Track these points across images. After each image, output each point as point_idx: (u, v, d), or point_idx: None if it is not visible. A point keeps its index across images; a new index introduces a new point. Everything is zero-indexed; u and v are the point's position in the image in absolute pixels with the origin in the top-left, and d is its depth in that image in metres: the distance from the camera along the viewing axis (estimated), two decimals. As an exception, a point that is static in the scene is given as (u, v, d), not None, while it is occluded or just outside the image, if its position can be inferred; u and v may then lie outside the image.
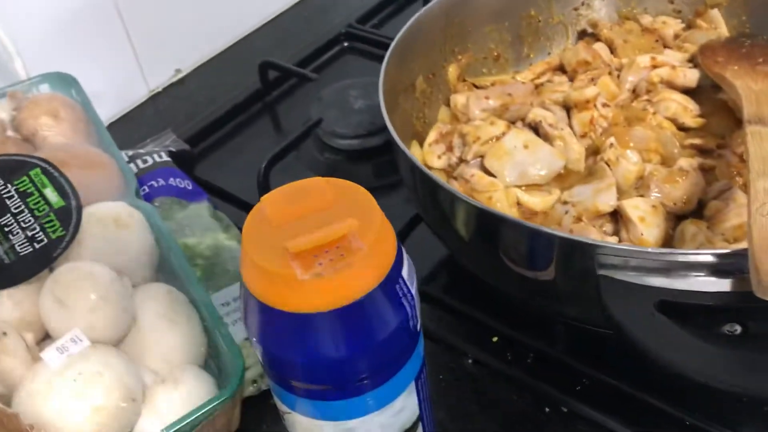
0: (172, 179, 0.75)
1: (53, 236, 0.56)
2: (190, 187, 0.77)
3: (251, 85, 1.01)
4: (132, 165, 0.77)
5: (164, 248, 0.60)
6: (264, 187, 0.82)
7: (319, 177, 0.44)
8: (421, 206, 0.65)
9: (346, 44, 1.09)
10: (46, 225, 0.57)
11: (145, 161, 0.77)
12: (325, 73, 1.06)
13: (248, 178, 0.85)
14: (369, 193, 0.43)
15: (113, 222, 0.57)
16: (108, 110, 1.00)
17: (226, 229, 0.73)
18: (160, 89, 1.06)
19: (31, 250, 0.55)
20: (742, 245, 0.56)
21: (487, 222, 0.54)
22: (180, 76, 1.07)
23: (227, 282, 0.67)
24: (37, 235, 0.56)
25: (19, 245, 0.55)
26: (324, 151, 0.90)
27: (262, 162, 0.84)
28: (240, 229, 0.78)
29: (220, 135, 0.97)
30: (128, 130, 0.99)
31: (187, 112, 1.01)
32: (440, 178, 0.56)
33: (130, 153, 0.79)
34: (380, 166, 0.88)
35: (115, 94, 1.01)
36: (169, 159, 0.79)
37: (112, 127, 1.00)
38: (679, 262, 0.47)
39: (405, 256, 0.43)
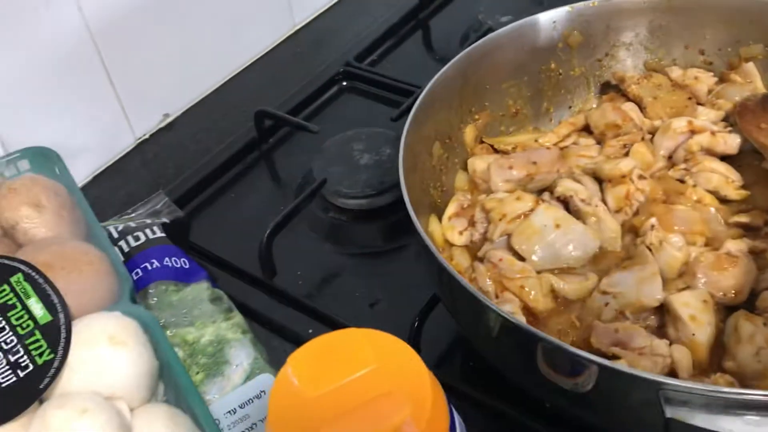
0: (167, 259, 0.69)
1: (40, 361, 0.49)
2: (187, 266, 0.70)
3: (245, 132, 0.95)
4: (123, 243, 0.71)
5: (163, 359, 0.54)
6: (266, 260, 0.76)
7: (354, 329, 0.38)
8: (450, 308, 0.59)
9: (344, 83, 1.03)
10: (31, 346, 0.50)
11: (137, 238, 0.71)
12: (325, 114, 1.00)
13: (249, 242, 0.78)
14: (413, 351, 0.37)
15: (107, 340, 0.51)
16: (94, 162, 0.94)
17: (227, 314, 0.67)
18: (147, 136, 0.99)
19: (14, 380, 0.49)
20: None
21: (530, 342, 0.48)
22: (168, 120, 1.00)
23: (232, 384, 0.61)
24: (21, 360, 0.50)
25: (1, 374, 0.49)
26: (329, 211, 0.84)
27: (262, 223, 0.78)
28: (241, 310, 0.72)
29: (214, 189, 0.90)
30: (115, 185, 0.92)
31: (177, 163, 0.94)
32: (483, 296, 0.50)
33: (120, 227, 0.72)
34: (390, 228, 0.82)
35: (100, 144, 0.94)
36: (162, 234, 0.72)
37: (99, 180, 0.94)
38: (756, 401, 0.41)
39: (456, 420, 0.38)
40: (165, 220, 0.75)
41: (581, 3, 0.73)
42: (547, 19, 0.72)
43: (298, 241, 0.81)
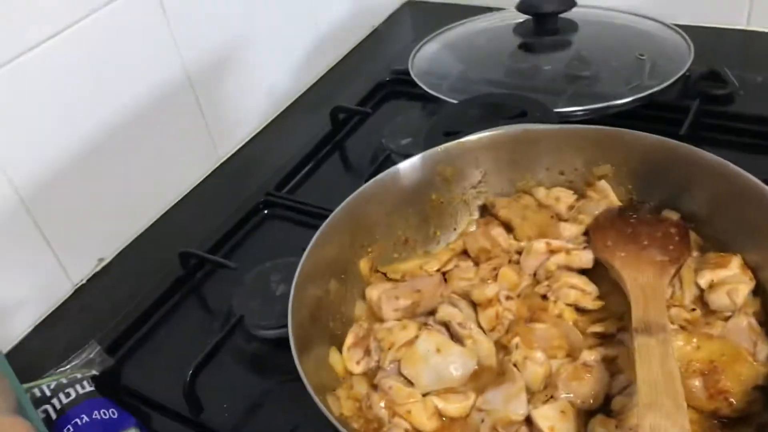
0: (96, 413, 0.75)
1: None
2: (115, 416, 0.77)
3: (174, 270, 1.02)
4: (55, 400, 0.77)
5: None
6: (191, 399, 0.82)
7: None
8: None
9: (266, 212, 1.12)
10: None
11: (68, 394, 0.77)
12: (248, 245, 1.08)
13: (177, 381, 0.84)
14: None
15: None
16: (34, 313, 1.00)
17: (154, 459, 0.73)
18: (84, 281, 1.06)
19: None
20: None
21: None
22: (103, 264, 1.08)
23: None
24: None
25: None
26: (251, 341, 0.91)
27: (190, 360, 0.84)
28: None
29: (146, 329, 0.97)
30: (55, 334, 0.99)
31: (113, 306, 1.01)
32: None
33: (53, 385, 0.79)
34: (307, 353, 0.90)
35: (38, 296, 1.01)
36: (92, 388, 0.79)
37: (39, 330, 1.00)
38: None
39: None
40: (95, 372, 0.81)
41: (449, 143, 0.83)
42: (420, 161, 0.82)
43: (224, 374, 0.88)
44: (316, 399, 0.60)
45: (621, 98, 1.06)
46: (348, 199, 0.78)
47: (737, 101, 1.09)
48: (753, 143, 1.03)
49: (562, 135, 0.82)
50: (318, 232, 0.76)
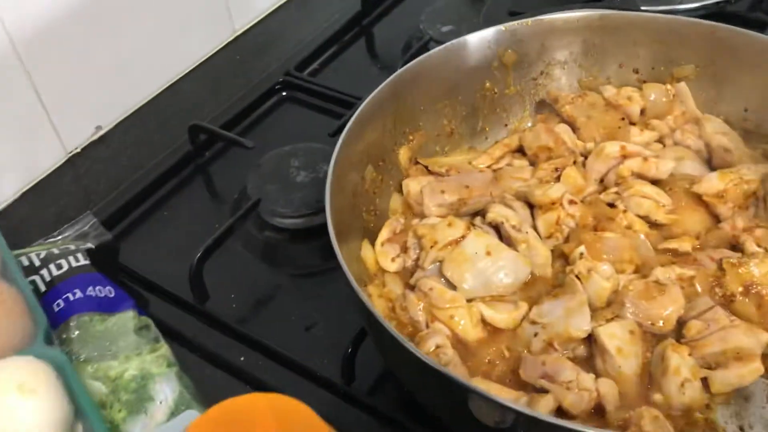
0: (90, 288, 0.67)
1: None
2: (112, 295, 0.68)
3: (181, 146, 0.92)
4: (45, 271, 0.68)
5: (79, 405, 0.52)
6: (197, 285, 0.74)
7: (256, 395, 0.37)
8: (376, 344, 0.58)
9: (284, 93, 1.01)
10: (-66, 397, 0.48)
11: (60, 266, 0.68)
12: (263, 126, 0.97)
13: (181, 264, 0.76)
14: (317, 417, 0.35)
15: (16, 389, 0.48)
16: (22, 179, 0.90)
17: (153, 345, 0.65)
18: (79, 150, 0.95)
19: None
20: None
21: (451, 387, 0.48)
22: (101, 133, 0.97)
23: (155, 422, 0.59)
24: None
25: None
26: (264, 230, 0.82)
27: (196, 242, 0.76)
28: (171, 336, 0.70)
29: (147, 206, 0.87)
30: (44, 203, 0.89)
31: (110, 178, 0.91)
32: (404, 339, 0.49)
33: (43, 254, 0.70)
34: (327, 247, 0.80)
35: (27, 160, 0.91)
36: (87, 262, 0.69)
37: (26, 198, 0.90)
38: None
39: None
40: (90, 245, 0.72)
41: (515, 22, 0.72)
42: (481, 38, 0.71)
43: (232, 261, 0.79)
44: (358, 289, 0.52)
45: (686, 3, 0.95)
46: (400, 70, 0.68)
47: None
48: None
49: (646, 25, 0.71)
50: (361, 107, 0.66)
